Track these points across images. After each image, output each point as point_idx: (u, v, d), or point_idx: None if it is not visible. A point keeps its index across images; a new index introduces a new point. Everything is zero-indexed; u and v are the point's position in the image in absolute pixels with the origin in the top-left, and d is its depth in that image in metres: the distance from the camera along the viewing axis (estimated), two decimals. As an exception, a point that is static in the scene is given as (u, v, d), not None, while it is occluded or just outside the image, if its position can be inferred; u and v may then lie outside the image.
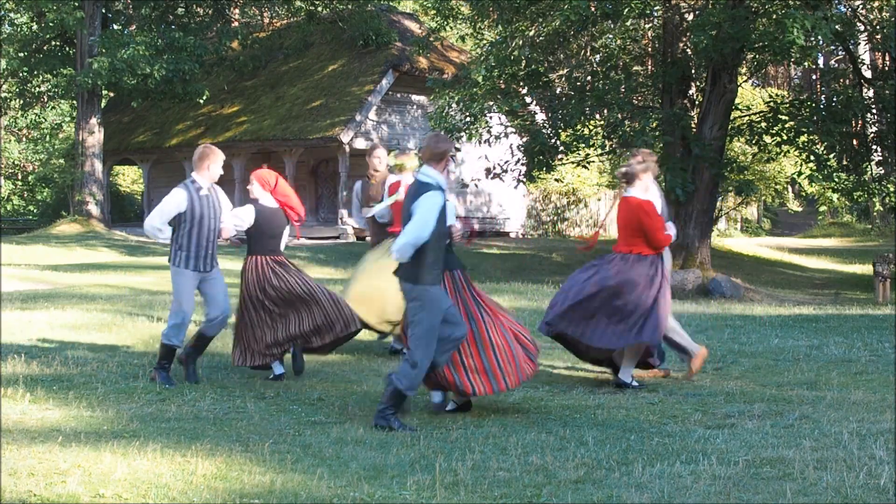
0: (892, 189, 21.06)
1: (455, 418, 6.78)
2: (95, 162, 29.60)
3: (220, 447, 5.77)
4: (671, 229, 7.93)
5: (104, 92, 31.32)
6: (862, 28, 21.23)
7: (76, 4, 28.16)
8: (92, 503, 4.71)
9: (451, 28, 26.95)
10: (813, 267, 26.87)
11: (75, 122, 31.76)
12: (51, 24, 28.74)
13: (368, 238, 9.89)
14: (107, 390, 7.36)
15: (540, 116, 23.74)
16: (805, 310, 14.12)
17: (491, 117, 20.92)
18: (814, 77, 38.78)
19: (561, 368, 8.84)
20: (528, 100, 22.05)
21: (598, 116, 22.44)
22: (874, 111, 20.94)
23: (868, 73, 23.32)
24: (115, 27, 32.48)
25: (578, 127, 20.15)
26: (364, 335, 10.07)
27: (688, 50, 19.59)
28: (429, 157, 6.66)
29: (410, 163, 9.11)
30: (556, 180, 31.48)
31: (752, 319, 11.96)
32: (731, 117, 20.38)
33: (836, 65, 33.63)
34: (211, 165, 7.79)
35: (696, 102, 20.14)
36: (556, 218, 33.46)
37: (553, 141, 20.17)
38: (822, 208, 38.49)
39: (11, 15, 34.77)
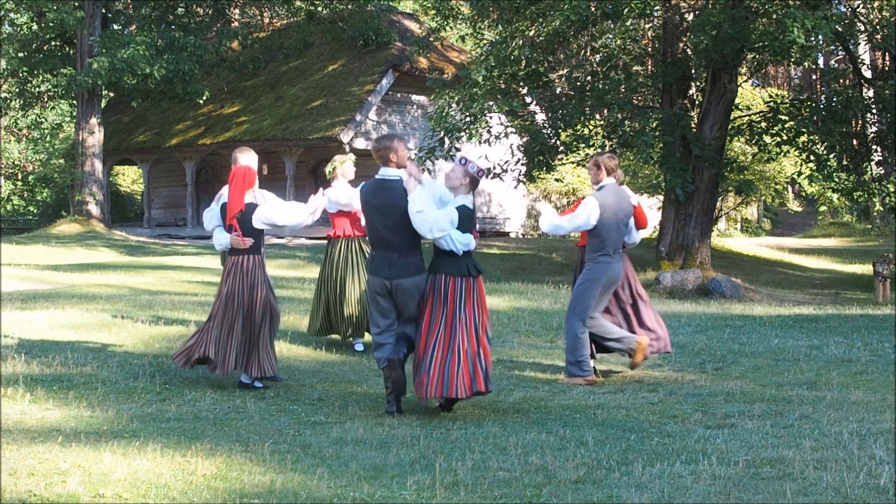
0: (892, 189, 21.06)
1: (455, 418, 6.78)
2: (95, 162, 29.61)
3: (220, 447, 5.76)
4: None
5: (104, 92, 31.33)
6: (862, 28, 21.23)
7: (76, 4, 28.17)
8: (92, 503, 4.71)
9: (451, 28, 26.96)
10: (813, 267, 26.87)
11: (75, 122, 31.78)
12: (51, 24, 28.76)
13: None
14: (107, 390, 7.36)
15: (540, 116, 23.74)
16: (805, 310, 14.12)
17: (491, 117, 20.93)
18: (814, 77, 38.79)
19: (561, 369, 8.83)
20: (528, 100, 22.05)
21: (598, 116, 22.45)
22: (874, 111, 20.94)
23: (868, 73, 23.32)
24: (115, 27, 32.49)
25: (578, 127, 20.16)
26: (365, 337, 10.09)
27: (688, 50, 19.59)
28: (377, 160, 7.01)
29: (343, 167, 9.34)
30: (556, 180, 31.51)
31: (752, 319, 11.96)
32: (731, 117, 20.38)
33: (836, 65, 33.64)
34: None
35: (696, 102, 20.14)
36: (556, 218, 33.41)
37: (553, 141, 20.18)
38: (822, 208, 38.47)
39: (11, 15, 34.78)
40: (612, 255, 8.11)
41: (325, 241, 9.69)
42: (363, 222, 9.13)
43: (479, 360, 6.85)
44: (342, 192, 9.30)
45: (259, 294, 7.64)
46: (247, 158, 7.87)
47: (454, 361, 6.76)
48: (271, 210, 7.76)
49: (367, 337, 9.70)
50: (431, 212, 6.70)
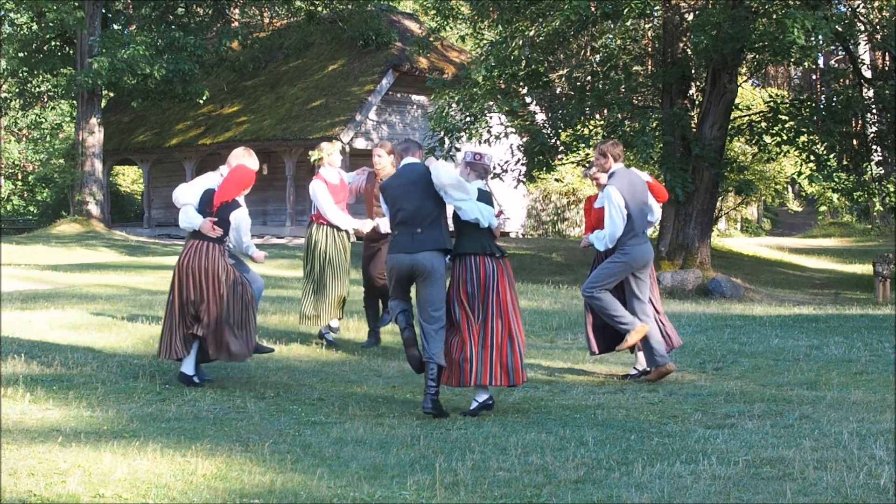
0: (892, 189, 21.06)
1: (455, 418, 6.78)
2: (95, 162, 29.61)
3: (220, 447, 5.76)
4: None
5: (104, 92, 31.32)
6: (862, 28, 21.23)
7: (76, 4, 28.16)
8: (92, 503, 4.71)
9: (451, 28, 26.95)
10: (813, 267, 26.87)
11: (75, 122, 31.77)
12: (51, 24, 28.76)
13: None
14: (107, 390, 7.35)
15: (540, 116, 23.74)
16: (805, 310, 14.12)
17: (491, 117, 20.92)
18: (814, 77, 38.77)
19: (561, 369, 8.83)
20: (528, 100, 22.05)
21: (598, 116, 22.45)
22: (874, 111, 20.94)
23: (868, 73, 23.32)
24: (115, 27, 32.49)
25: (578, 127, 20.16)
26: (363, 337, 10.09)
27: (688, 50, 19.59)
28: (402, 153, 7.29)
29: (330, 157, 9.39)
30: (556, 180, 31.50)
31: (752, 319, 11.96)
32: (731, 117, 20.38)
33: (836, 65, 33.63)
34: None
35: (696, 102, 20.14)
36: (556, 218, 33.46)
37: (553, 141, 20.18)
38: (822, 208, 38.46)
39: (11, 15, 34.78)
40: (640, 235, 8.16)
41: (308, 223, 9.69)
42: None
43: (511, 350, 6.87)
44: (329, 190, 9.31)
45: (215, 278, 7.57)
46: (251, 163, 7.90)
47: (487, 349, 6.82)
48: (246, 219, 7.80)
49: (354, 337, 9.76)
50: (460, 179, 6.91)
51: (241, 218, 7.72)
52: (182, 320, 7.60)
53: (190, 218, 7.72)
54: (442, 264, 6.94)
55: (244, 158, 7.86)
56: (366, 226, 9.37)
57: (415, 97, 29.90)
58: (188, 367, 7.68)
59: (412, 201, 6.96)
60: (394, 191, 7.11)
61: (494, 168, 20.94)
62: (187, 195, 7.80)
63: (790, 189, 39.53)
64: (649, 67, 24.32)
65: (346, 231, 9.50)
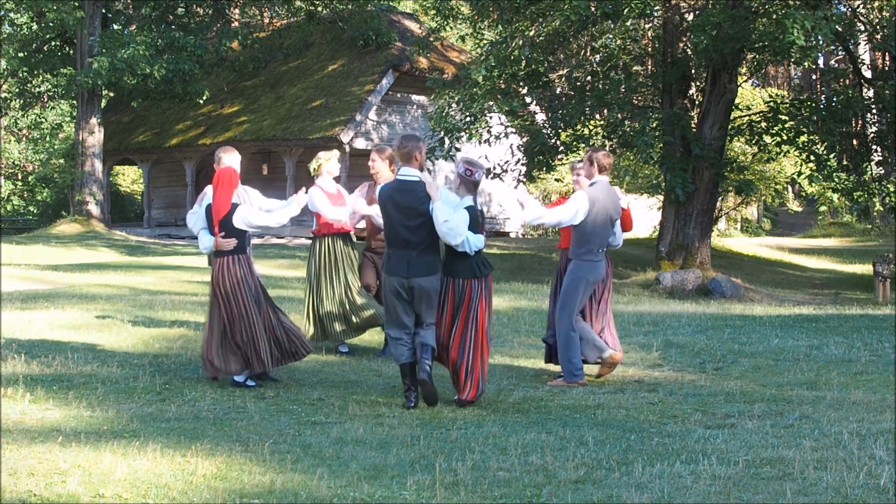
0: (892, 189, 21.06)
1: (455, 418, 6.78)
2: (95, 162, 29.62)
3: (220, 447, 5.76)
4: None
5: (104, 92, 31.33)
6: (862, 28, 21.23)
7: (76, 4, 28.18)
8: (92, 503, 4.71)
9: (451, 28, 26.95)
10: (813, 267, 26.87)
11: (75, 122, 31.78)
12: (51, 24, 28.78)
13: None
14: (107, 390, 7.35)
15: (540, 116, 23.74)
16: (805, 310, 14.12)
17: (491, 117, 20.92)
18: (814, 77, 38.79)
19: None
20: (528, 100, 22.05)
21: (598, 116, 22.45)
22: (874, 111, 20.94)
23: (868, 73, 23.32)
24: (115, 27, 32.50)
25: (578, 127, 20.16)
26: (364, 337, 10.09)
27: (688, 50, 19.60)
28: (400, 158, 7.19)
29: (328, 164, 9.35)
30: (557, 180, 31.50)
31: (752, 319, 11.96)
32: (731, 117, 20.38)
33: (836, 65, 33.63)
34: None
35: (696, 102, 20.14)
36: (556, 218, 33.40)
37: (553, 141, 20.18)
38: (822, 208, 38.47)
39: (11, 15, 34.78)
40: (596, 253, 8.07)
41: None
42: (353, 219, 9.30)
43: (480, 365, 7.14)
44: (327, 197, 9.23)
45: (233, 293, 7.59)
46: (230, 159, 7.85)
47: (465, 364, 7.11)
48: (251, 212, 7.75)
49: (355, 339, 9.73)
50: (455, 219, 6.93)
51: (243, 217, 7.66)
52: (224, 335, 7.67)
53: (204, 242, 7.83)
54: (437, 283, 7.10)
55: (223, 162, 7.82)
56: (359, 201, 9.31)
57: (415, 97, 29.90)
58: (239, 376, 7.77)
59: (409, 226, 7.01)
60: (390, 208, 7.11)
61: (494, 168, 20.96)
62: (196, 222, 7.93)
63: (790, 189, 39.52)
64: (649, 67, 24.32)
65: (352, 241, 9.45)
